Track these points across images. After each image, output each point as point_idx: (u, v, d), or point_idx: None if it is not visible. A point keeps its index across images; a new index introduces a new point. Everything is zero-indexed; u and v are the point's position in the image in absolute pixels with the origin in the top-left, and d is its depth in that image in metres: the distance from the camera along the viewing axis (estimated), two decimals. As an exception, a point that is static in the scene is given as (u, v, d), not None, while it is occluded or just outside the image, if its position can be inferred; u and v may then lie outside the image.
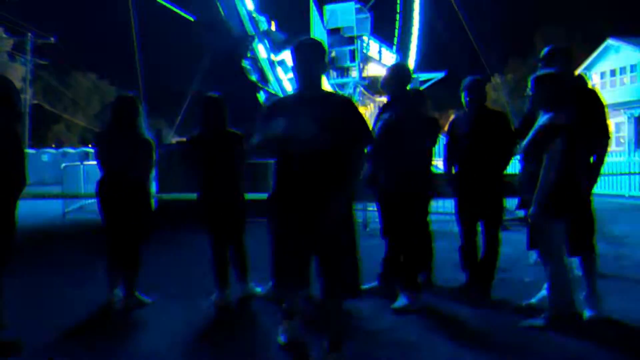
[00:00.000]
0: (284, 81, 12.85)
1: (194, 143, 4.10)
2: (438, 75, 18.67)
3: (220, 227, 4.02)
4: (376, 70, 16.70)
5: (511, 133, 4.27)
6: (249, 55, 12.04)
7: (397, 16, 23.94)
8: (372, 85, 16.82)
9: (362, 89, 16.31)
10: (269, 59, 12.51)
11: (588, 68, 24.98)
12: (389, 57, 20.06)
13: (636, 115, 21.73)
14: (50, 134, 38.49)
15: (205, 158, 3.99)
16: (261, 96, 11.55)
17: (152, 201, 4.15)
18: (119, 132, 3.92)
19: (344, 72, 15.37)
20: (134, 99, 4.00)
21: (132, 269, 3.92)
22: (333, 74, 14.95)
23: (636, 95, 22.09)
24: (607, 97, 23.60)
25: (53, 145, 34.21)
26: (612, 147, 16.82)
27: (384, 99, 17.77)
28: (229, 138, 4.00)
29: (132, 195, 3.85)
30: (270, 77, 12.43)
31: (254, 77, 11.91)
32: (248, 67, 11.90)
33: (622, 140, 22.41)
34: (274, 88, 12.36)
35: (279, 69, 12.72)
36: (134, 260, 3.92)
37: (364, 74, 15.72)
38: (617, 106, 22.47)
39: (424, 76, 18.85)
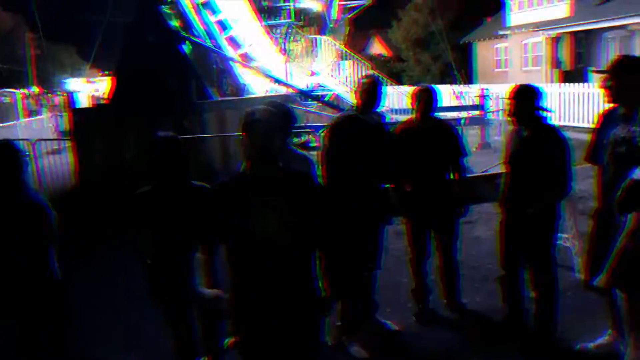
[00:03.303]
0: (213, 25, 11.82)
1: (143, 201, 3.12)
2: (363, 2, 18.00)
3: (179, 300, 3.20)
4: (308, 4, 15.87)
5: (457, 144, 4.17)
6: (168, -1, 10.84)
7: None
8: (304, 20, 16.04)
9: (295, 27, 15.47)
10: (192, 1, 11.37)
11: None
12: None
13: (553, 35, 22.33)
14: None
15: (157, 219, 3.08)
16: (186, 47, 10.55)
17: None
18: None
19: (274, 12, 14.41)
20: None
21: None
22: (265, 16, 13.97)
23: (553, 15, 22.62)
24: (526, 17, 24.24)
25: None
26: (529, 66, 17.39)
27: (315, 35, 17.15)
28: (190, 193, 3.09)
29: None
30: (196, 22, 11.35)
31: (175, 24, 10.80)
32: (168, 12, 10.75)
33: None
34: (199, 35, 11.35)
35: (205, 12, 11.63)
36: None
37: (296, 6, 14.83)
38: (536, 26, 22.99)
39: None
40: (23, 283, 2.99)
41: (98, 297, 4.95)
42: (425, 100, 4.02)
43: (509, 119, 3.73)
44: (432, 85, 4.42)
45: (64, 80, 35.84)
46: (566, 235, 4.98)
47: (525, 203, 3.62)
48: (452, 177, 4.19)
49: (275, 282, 2.35)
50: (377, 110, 3.95)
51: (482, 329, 4.04)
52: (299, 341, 2.45)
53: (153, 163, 3.08)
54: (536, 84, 3.91)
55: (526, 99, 3.60)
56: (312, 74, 15.17)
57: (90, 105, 17.46)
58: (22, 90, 32.02)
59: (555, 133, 3.63)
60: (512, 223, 3.78)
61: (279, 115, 2.50)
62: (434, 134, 4.05)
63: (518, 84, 3.80)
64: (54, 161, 9.74)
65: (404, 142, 3.99)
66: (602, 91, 3.34)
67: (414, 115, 4.12)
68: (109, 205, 6.78)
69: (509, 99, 3.65)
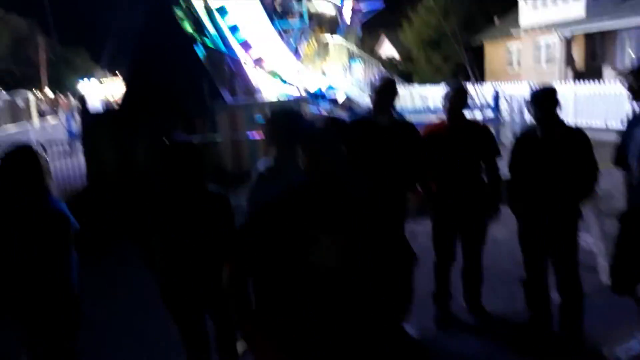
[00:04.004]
0: (224, 30, 11.78)
1: (155, 207, 2.98)
2: (376, 6, 17.84)
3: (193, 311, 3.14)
4: (321, 7, 15.78)
5: (495, 147, 4.08)
6: (182, 3, 10.82)
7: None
8: (319, 24, 15.92)
9: (309, 30, 15.32)
10: (205, 5, 11.35)
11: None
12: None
13: (568, 36, 22.07)
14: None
15: (170, 225, 2.94)
16: (199, 50, 10.53)
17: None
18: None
19: (289, 16, 14.31)
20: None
21: None
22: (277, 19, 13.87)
23: (567, 15, 22.38)
24: (540, 17, 23.99)
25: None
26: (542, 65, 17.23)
27: (326, 37, 17.02)
28: (207, 200, 3.00)
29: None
30: (209, 26, 11.34)
31: (189, 27, 10.80)
32: (182, 16, 10.74)
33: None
34: (212, 40, 11.31)
35: (217, 17, 11.58)
36: None
37: (311, 11, 14.72)
38: (550, 26, 22.76)
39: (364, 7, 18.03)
40: (38, 292, 2.90)
41: (110, 304, 4.91)
42: (458, 99, 3.95)
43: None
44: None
45: (77, 83, 36.09)
46: (591, 238, 4.87)
47: (549, 206, 3.53)
48: (484, 178, 4.10)
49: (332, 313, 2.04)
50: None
51: (505, 334, 3.94)
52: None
53: (168, 168, 2.94)
54: (550, 84, 3.83)
55: (546, 103, 3.51)
56: (324, 75, 15.10)
57: (103, 108, 17.53)
58: (35, 93, 32.26)
59: (581, 133, 3.54)
60: (533, 227, 3.68)
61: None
62: (468, 133, 3.98)
63: (536, 86, 3.72)
64: (65, 164, 9.76)
65: (436, 142, 3.92)
66: (627, 92, 3.28)
67: (446, 115, 4.02)
68: (120, 209, 6.75)
69: (530, 102, 3.56)
